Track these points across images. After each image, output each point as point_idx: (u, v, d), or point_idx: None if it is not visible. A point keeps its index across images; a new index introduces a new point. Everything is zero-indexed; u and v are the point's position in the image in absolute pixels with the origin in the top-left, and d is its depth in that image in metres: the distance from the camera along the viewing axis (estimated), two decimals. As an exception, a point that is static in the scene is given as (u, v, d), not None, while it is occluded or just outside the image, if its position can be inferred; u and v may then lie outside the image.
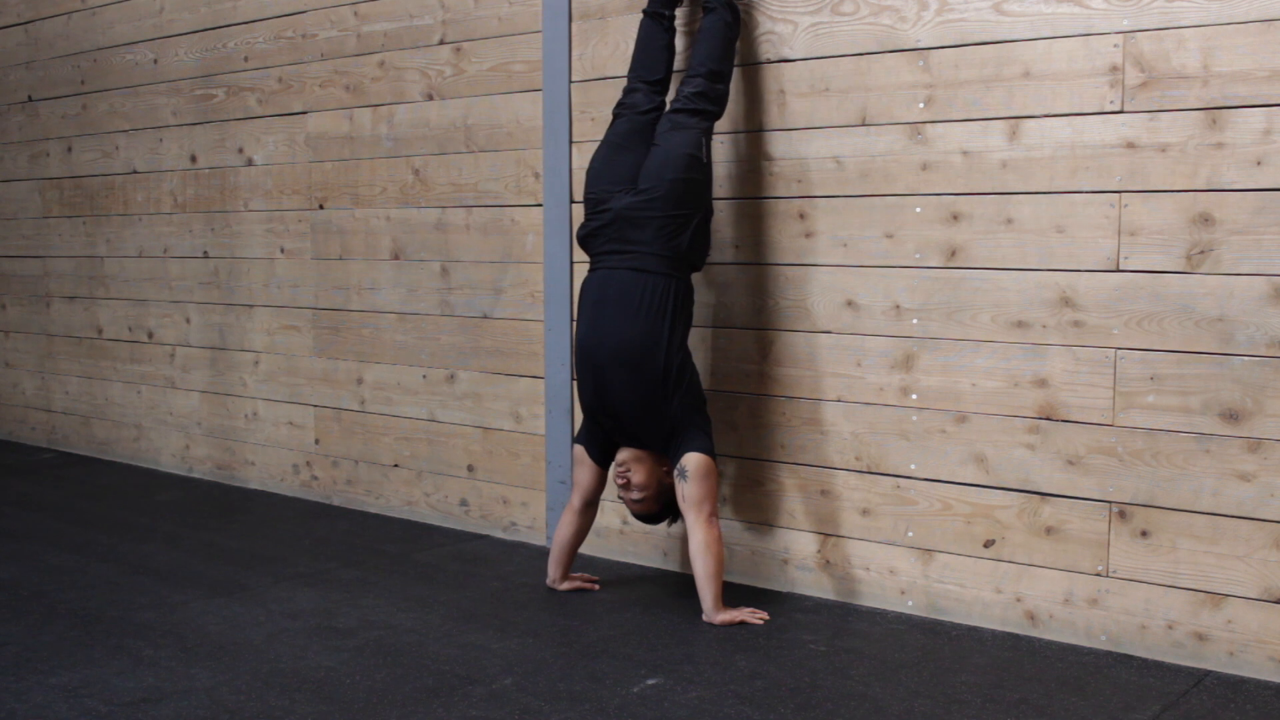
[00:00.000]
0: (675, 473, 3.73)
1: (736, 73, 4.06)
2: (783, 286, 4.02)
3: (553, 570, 4.09)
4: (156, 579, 4.26)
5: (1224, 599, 3.31)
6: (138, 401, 6.35)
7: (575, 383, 3.92)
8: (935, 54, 3.67)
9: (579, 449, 3.96)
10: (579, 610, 3.90)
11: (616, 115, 4.01)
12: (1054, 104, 3.47)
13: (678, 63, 4.10)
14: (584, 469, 3.95)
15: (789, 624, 3.73)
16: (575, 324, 3.88)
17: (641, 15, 4.07)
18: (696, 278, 4.10)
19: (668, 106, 3.97)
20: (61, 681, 3.27)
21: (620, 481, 3.86)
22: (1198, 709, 3.07)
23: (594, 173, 3.93)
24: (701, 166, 3.83)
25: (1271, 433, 3.21)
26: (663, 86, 4.01)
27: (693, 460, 3.69)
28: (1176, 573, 3.38)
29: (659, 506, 3.86)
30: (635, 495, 3.84)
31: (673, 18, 4.05)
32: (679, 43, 4.11)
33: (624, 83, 4.07)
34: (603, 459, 3.94)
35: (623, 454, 3.86)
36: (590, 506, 3.98)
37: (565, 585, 4.09)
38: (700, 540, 3.68)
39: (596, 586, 4.12)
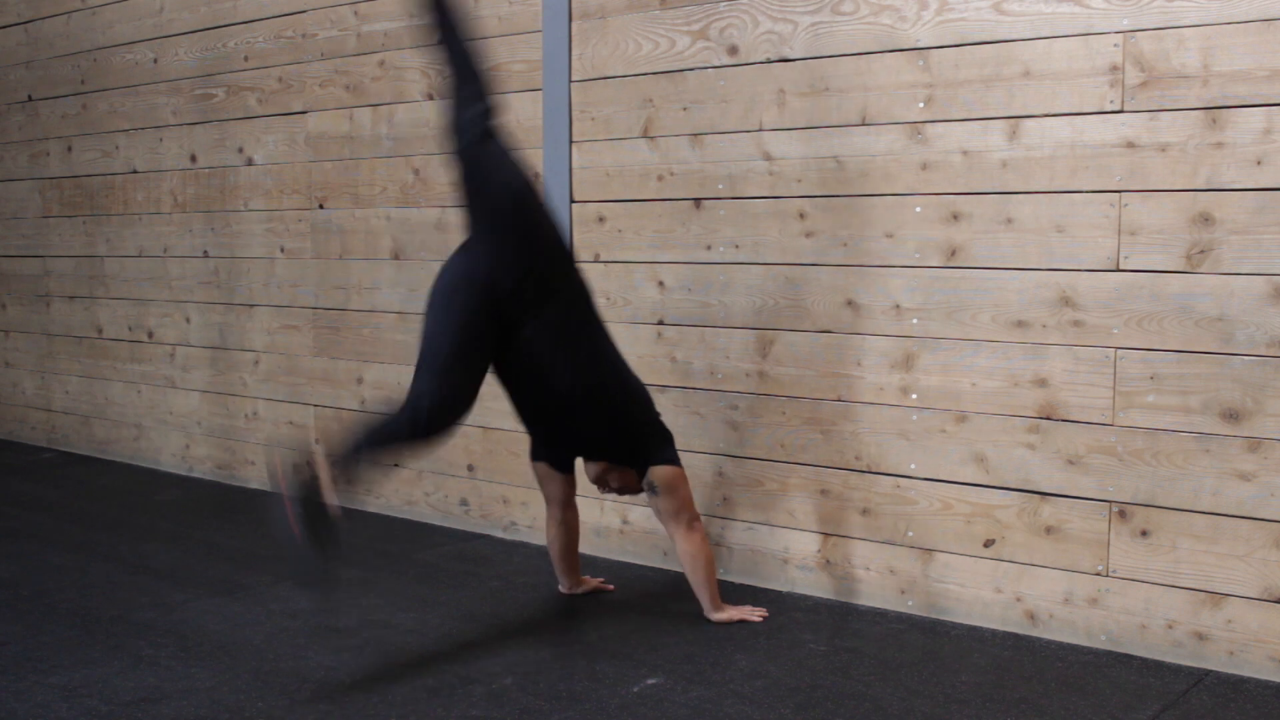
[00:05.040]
0: (645, 487, 3.68)
1: (737, 72, 4.06)
2: (783, 286, 4.02)
3: (564, 579, 4.02)
4: (156, 579, 4.26)
5: (1224, 599, 3.31)
6: (138, 401, 6.35)
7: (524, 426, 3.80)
8: (935, 54, 3.66)
9: (540, 466, 3.83)
10: (579, 610, 3.90)
11: None
12: (1054, 104, 3.47)
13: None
14: (551, 483, 3.85)
15: (789, 624, 3.73)
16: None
17: None
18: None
19: (465, 137, 3.44)
20: (61, 681, 3.27)
21: (606, 491, 3.86)
22: (1198, 709, 3.07)
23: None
24: (532, 189, 3.50)
25: (1271, 432, 3.21)
26: None
27: (659, 474, 3.63)
28: (1176, 572, 3.38)
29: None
30: (624, 496, 3.85)
31: None
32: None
33: (625, 82, 4.04)
34: (564, 465, 3.83)
35: (591, 470, 3.79)
36: (569, 508, 3.88)
37: (581, 589, 4.04)
38: (687, 549, 3.66)
39: (612, 588, 4.09)
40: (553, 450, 3.81)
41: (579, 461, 3.89)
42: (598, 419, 3.62)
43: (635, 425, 3.68)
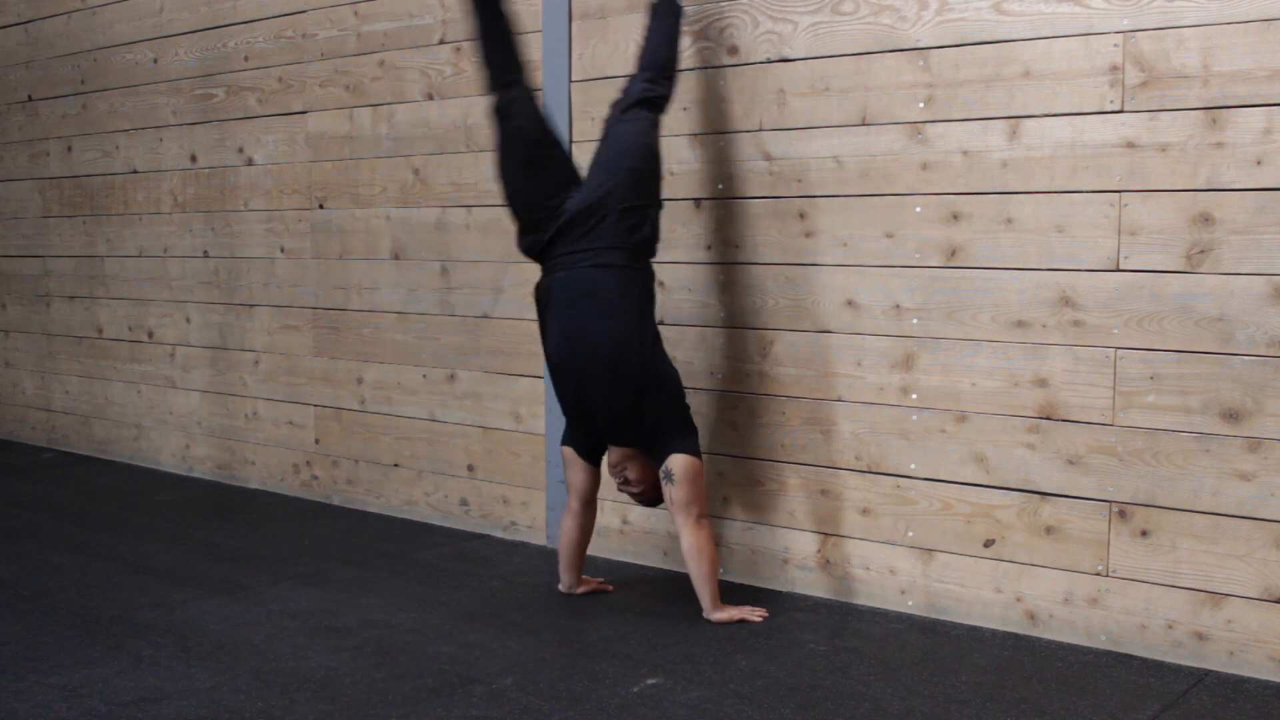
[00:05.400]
0: (661, 474, 3.72)
1: (737, 72, 4.06)
2: (783, 286, 4.02)
3: (565, 576, 4.03)
4: (156, 579, 4.26)
5: (1224, 599, 3.31)
6: (138, 401, 6.35)
7: (553, 387, 3.88)
8: (935, 54, 3.66)
9: (568, 451, 3.91)
10: (579, 610, 3.90)
11: (503, 116, 3.78)
12: (1054, 104, 3.47)
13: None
14: (576, 469, 3.91)
15: (789, 624, 3.73)
16: (542, 329, 3.81)
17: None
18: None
19: (622, 103, 3.92)
20: (61, 681, 3.27)
21: (618, 480, 3.87)
22: (1198, 709, 3.07)
23: (521, 189, 3.78)
24: (655, 156, 3.84)
25: (1271, 432, 3.21)
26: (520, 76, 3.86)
27: (678, 462, 3.67)
28: (1176, 572, 3.38)
29: (660, 493, 3.86)
30: (635, 489, 3.85)
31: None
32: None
33: (625, 83, 4.05)
34: (592, 456, 3.90)
35: (613, 454, 3.84)
36: (589, 506, 3.94)
37: (581, 589, 4.05)
38: (692, 544, 3.68)
39: (611, 588, 4.10)
40: (581, 432, 3.84)
41: (604, 462, 3.91)
42: (627, 385, 3.65)
43: (663, 407, 3.71)
